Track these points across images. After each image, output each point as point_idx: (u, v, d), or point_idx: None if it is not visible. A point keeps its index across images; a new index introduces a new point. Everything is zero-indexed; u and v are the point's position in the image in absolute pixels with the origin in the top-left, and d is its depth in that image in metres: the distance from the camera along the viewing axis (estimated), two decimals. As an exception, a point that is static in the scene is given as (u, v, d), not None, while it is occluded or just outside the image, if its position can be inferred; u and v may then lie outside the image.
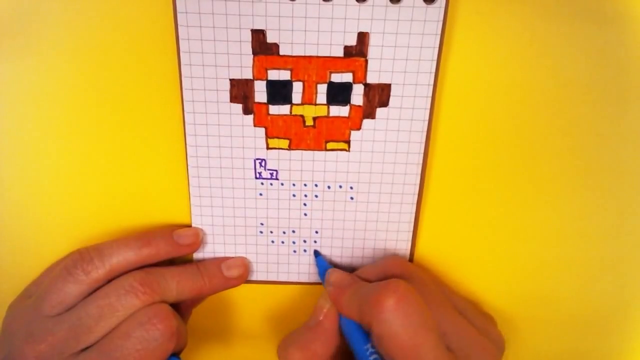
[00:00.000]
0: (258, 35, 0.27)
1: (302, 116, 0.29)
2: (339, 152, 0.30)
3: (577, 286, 0.33)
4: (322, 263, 0.32)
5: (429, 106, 0.29)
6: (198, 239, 0.31)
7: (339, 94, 0.29)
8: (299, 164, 0.30)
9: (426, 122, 0.29)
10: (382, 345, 0.25)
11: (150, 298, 0.28)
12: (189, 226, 0.32)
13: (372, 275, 0.30)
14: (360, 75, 0.28)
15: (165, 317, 0.28)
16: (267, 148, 0.30)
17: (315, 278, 0.33)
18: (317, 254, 0.32)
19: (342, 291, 0.28)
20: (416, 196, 0.31)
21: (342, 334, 0.29)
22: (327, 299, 0.29)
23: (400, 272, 0.30)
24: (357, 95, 0.29)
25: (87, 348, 0.28)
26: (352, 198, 0.31)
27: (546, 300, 0.34)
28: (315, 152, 0.30)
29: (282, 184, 0.31)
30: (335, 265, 0.32)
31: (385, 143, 0.30)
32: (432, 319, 0.26)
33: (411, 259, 0.33)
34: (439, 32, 0.27)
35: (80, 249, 0.30)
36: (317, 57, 0.28)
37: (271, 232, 0.32)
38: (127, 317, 0.28)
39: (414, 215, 0.31)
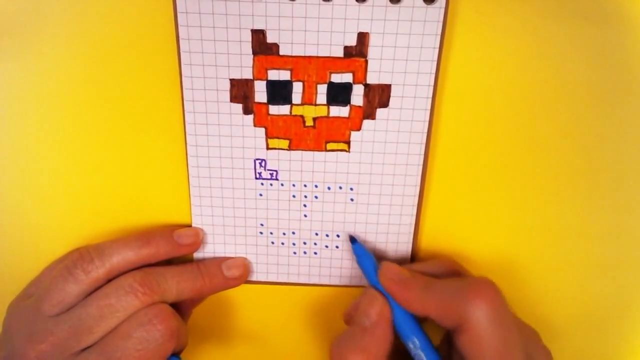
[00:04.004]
0: (258, 35, 0.27)
1: (302, 116, 0.29)
2: (339, 152, 0.30)
3: (577, 286, 0.33)
4: (362, 252, 0.31)
5: (429, 107, 0.29)
6: (198, 238, 0.32)
7: (339, 94, 0.29)
8: (299, 165, 0.30)
9: (426, 123, 0.29)
10: (469, 343, 0.25)
11: (150, 298, 0.28)
12: (189, 226, 0.32)
13: (429, 272, 0.29)
14: (360, 76, 0.28)
15: (166, 318, 0.28)
16: (267, 148, 0.30)
17: (316, 280, 0.33)
18: (353, 240, 0.31)
19: (408, 285, 0.28)
20: (416, 197, 0.31)
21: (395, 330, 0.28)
22: (378, 297, 0.28)
23: (460, 271, 0.30)
24: (357, 96, 0.29)
25: (87, 348, 0.28)
26: (352, 199, 0.31)
27: (546, 300, 0.34)
28: (315, 152, 0.30)
29: (282, 185, 0.31)
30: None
31: (386, 144, 0.30)
32: (515, 321, 0.26)
33: (412, 260, 0.33)
34: (439, 32, 0.27)
35: (80, 248, 0.30)
36: (317, 57, 0.28)
37: (271, 232, 0.32)
38: (127, 317, 0.28)
39: (414, 216, 0.31)
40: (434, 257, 0.32)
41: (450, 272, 0.30)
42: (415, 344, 0.27)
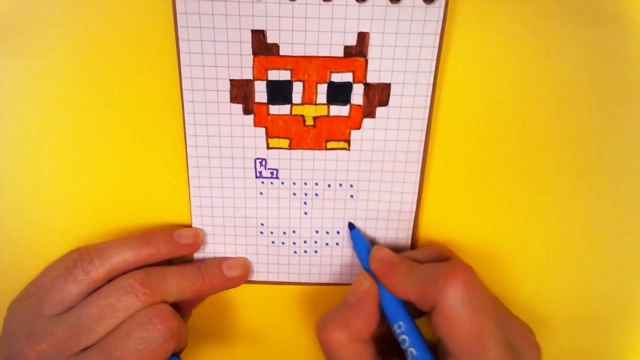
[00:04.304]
0: (258, 36, 0.27)
1: (302, 116, 0.29)
2: (339, 151, 0.30)
3: (577, 286, 0.33)
4: (358, 237, 0.32)
5: (428, 105, 0.29)
6: (198, 239, 0.32)
7: (339, 93, 0.29)
8: (299, 164, 0.30)
9: (426, 121, 0.29)
10: (444, 325, 0.25)
11: (150, 298, 0.28)
12: (189, 226, 0.32)
13: (418, 258, 0.30)
14: (360, 75, 0.28)
15: (166, 318, 0.28)
16: (268, 148, 0.30)
17: (316, 279, 0.33)
18: (351, 226, 0.32)
19: (393, 268, 0.28)
20: (416, 195, 0.31)
21: (382, 312, 0.29)
22: (367, 277, 0.29)
23: (452, 257, 0.30)
24: (357, 95, 0.29)
25: (87, 348, 0.28)
26: (352, 196, 0.31)
27: (546, 300, 0.34)
28: (316, 151, 0.30)
29: (282, 183, 0.31)
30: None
31: (385, 142, 0.30)
32: (493, 305, 0.26)
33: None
34: (439, 31, 0.27)
35: (80, 248, 0.30)
36: (317, 57, 0.28)
37: (271, 232, 0.32)
38: (127, 317, 0.28)
39: (413, 213, 0.31)
40: (429, 245, 0.32)
41: (440, 258, 0.30)
42: (400, 327, 0.28)
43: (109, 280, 0.29)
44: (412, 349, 0.27)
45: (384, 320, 0.29)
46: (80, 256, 0.29)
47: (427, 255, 0.30)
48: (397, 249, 0.32)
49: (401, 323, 0.28)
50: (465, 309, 0.25)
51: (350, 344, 0.27)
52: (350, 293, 0.29)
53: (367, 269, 0.30)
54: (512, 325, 0.28)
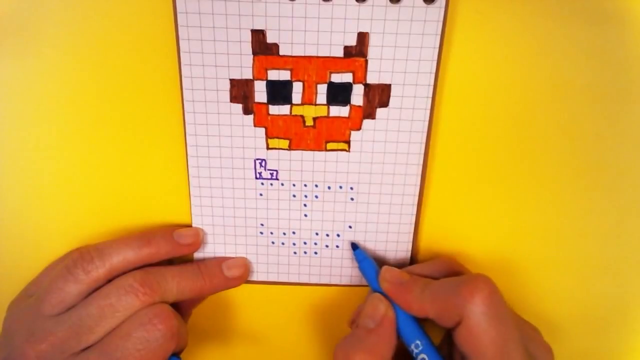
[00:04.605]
0: (258, 36, 0.27)
1: (302, 116, 0.29)
2: (339, 152, 0.30)
3: (577, 286, 0.33)
4: (363, 257, 0.31)
5: (429, 106, 0.29)
6: (198, 238, 0.31)
7: (339, 94, 0.29)
8: (299, 164, 0.30)
9: (426, 123, 0.29)
10: (469, 340, 0.25)
11: (150, 298, 0.28)
12: (190, 226, 0.32)
13: (427, 274, 0.30)
14: (360, 76, 0.28)
15: (166, 318, 0.28)
16: (267, 148, 0.30)
17: (316, 280, 0.33)
18: (355, 246, 0.32)
19: (407, 288, 0.28)
20: (417, 197, 0.31)
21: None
22: (382, 300, 0.29)
23: (461, 271, 0.30)
24: (357, 96, 0.29)
25: (87, 348, 0.28)
26: (352, 199, 0.31)
27: (546, 300, 0.34)
28: (316, 152, 0.30)
29: (282, 184, 0.31)
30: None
31: (386, 143, 0.30)
32: (512, 315, 0.27)
33: (412, 259, 0.33)
34: (439, 32, 0.27)
35: (80, 247, 0.30)
36: (317, 57, 0.28)
37: (271, 232, 0.32)
38: (127, 317, 0.28)
39: (414, 216, 0.31)
40: (433, 258, 0.32)
41: (449, 272, 0.30)
42: (418, 347, 0.27)
43: (109, 280, 0.29)
44: None
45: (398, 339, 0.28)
46: (81, 256, 0.29)
47: (435, 270, 0.30)
48: (398, 253, 0.32)
49: (419, 342, 0.27)
50: (491, 322, 0.25)
51: None
52: (366, 317, 0.28)
53: (377, 289, 0.29)
54: (527, 331, 0.29)
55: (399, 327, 0.28)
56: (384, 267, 0.30)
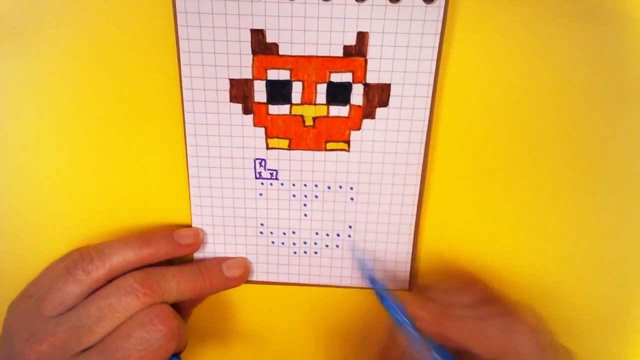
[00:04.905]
0: (257, 35, 0.27)
1: (301, 116, 0.29)
2: (338, 152, 0.30)
3: (577, 286, 0.33)
4: (387, 296, 0.29)
5: (429, 106, 0.29)
6: (198, 239, 0.31)
7: (338, 93, 0.29)
8: (298, 164, 0.30)
9: (426, 122, 0.29)
10: None
11: (150, 299, 0.28)
12: (189, 226, 0.32)
13: (447, 294, 0.29)
14: (360, 75, 0.28)
15: (167, 318, 0.28)
16: (267, 148, 0.30)
17: (316, 280, 0.33)
18: (373, 281, 0.31)
19: (442, 321, 0.27)
20: (417, 197, 0.31)
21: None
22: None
23: (474, 282, 0.30)
24: (357, 95, 0.29)
25: (88, 348, 0.28)
26: (352, 199, 0.31)
27: (546, 300, 0.33)
28: (315, 152, 0.30)
29: (282, 184, 0.31)
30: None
31: (385, 143, 0.30)
32: (556, 347, 0.27)
33: (412, 259, 0.32)
34: (439, 31, 0.27)
35: (80, 248, 0.30)
36: (317, 56, 0.28)
37: (271, 232, 0.32)
38: (127, 317, 0.28)
39: (414, 216, 0.31)
40: (440, 272, 0.32)
41: (465, 286, 0.29)
42: None
43: (109, 281, 0.29)
44: None
45: None
46: (81, 256, 0.29)
47: (455, 288, 0.29)
48: (398, 253, 0.32)
49: None
50: (538, 356, 0.25)
51: None
52: None
53: (403, 323, 0.28)
54: (566, 357, 0.28)
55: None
56: (408, 302, 0.28)
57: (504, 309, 0.27)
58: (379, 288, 0.30)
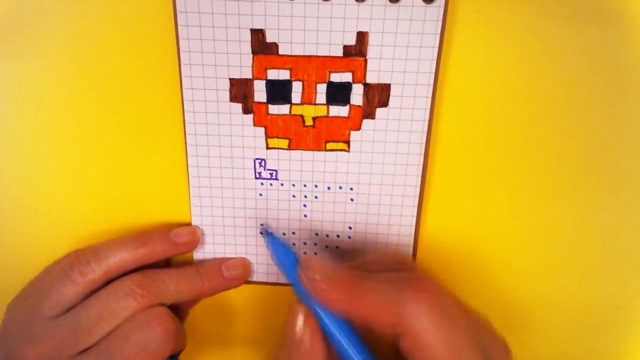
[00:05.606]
0: (257, 35, 0.27)
1: (301, 116, 0.29)
2: (338, 152, 0.30)
3: (577, 286, 0.33)
4: (280, 247, 0.27)
5: (429, 106, 0.29)
6: (195, 236, 0.31)
7: (338, 93, 0.29)
8: (298, 164, 0.30)
9: (426, 122, 0.29)
10: (413, 351, 0.23)
11: (148, 301, 0.28)
12: (189, 225, 0.32)
13: (362, 266, 0.26)
14: (360, 75, 0.28)
15: (164, 320, 0.28)
16: (267, 148, 0.30)
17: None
18: (266, 232, 0.29)
19: (333, 284, 0.24)
20: (417, 197, 0.31)
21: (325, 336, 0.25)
22: (299, 308, 0.25)
23: (402, 260, 0.27)
24: (357, 95, 0.29)
25: (86, 350, 0.28)
26: (352, 199, 0.31)
27: (546, 300, 0.33)
28: (315, 152, 0.30)
29: (281, 185, 0.31)
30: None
31: (385, 143, 0.30)
32: (465, 319, 0.24)
33: (413, 260, 0.32)
34: (439, 31, 0.27)
35: (77, 250, 0.30)
36: (317, 56, 0.28)
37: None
38: (125, 319, 0.28)
39: (415, 216, 0.31)
40: (382, 250, 0.29)
41: (390, 263, 0.26)
42: (346, 351, 0.24)
43: (107, 282, 0.29)
44: None
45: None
46: (77, 258, 0.29)
47: (375, 263, 0.26)
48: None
49: (345, 346, 0.24)
50: (440, 331, 0.22)
51: None
52: (288, 332, 0.24)
53: (298, 287, 0.25)
54: (480, 327, 0.26)
55: (328, 333, 0.24)
56: (304, 258, 0.26)
57: (400, 277, 0.24)
58: (273, 240, 0.28)
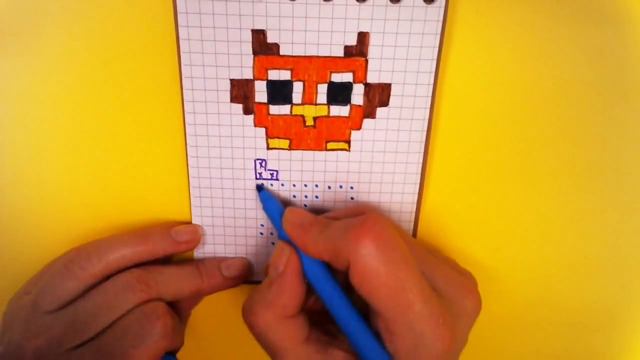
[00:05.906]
0: (258, 35, 0.27)
1: (302, 116, 0.29)
2: (339, 152, 0.30)
3: (578, 286, 0.33)
4: (268, 198, 0.30)
5: (429, 106, 0.29)
6: (196, 235, 0.31)
7: (339, 93, 0.29)
8: (299, 164, 0.30)
9: (426, 122, 0.29)
10: (362, 284, 0.24)
11: (146, 295, 0.29)
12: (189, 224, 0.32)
13: (336, 216, 0.28)
14: (361, 75, 0.28)
15: (162, 315, 0.28)
16: (268, 148, 0.30)
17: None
18: (260, 188, 0.30)
19: (307, 230, 0.27)
20: (416, 196, 0.31)
21: (305, 278, 0.27)
22: (285, 246, 0.27)
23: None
24: (358, 95, 0.29)
25: (84, 343, 0.28)
26: (352, 198, 0.31)
27: (546, 300, 0.34)
28: (316, 152, 0.30)
29: (282, 185, 0.31)
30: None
31: (386, 143, 0.30)
32: (411, 255, 0.25)
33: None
34: (439, 31, 0.27)
35: (78, 246, 0.30)
36: (318, 57, 0.28)
37: (271, 233, 0.32)
38: (123, 313, 0.28)
39: (414, 215, 0.31)
40: (352, 205, 0.31)
41: (357, 214, 0.27)
42: (323, 292, 0.26)
43: (106, 277, 0.29)
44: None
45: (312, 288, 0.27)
46: (78, 253, 0.29)
47: (345, 213, 0.28)
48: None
49: (324, 285, 0.26)
50: (380, 264, 0.24)
51: (278, 323, 0.26)
52: (270, 266, 0.27)
53: (283, 236, 0.28)
54: (441, 272, 0.27)
55: (307, 274, 0.27)
56: (288, 208, 0.28)
57: (351, 221, 0.25)
58: (264, 194, 0.30)
